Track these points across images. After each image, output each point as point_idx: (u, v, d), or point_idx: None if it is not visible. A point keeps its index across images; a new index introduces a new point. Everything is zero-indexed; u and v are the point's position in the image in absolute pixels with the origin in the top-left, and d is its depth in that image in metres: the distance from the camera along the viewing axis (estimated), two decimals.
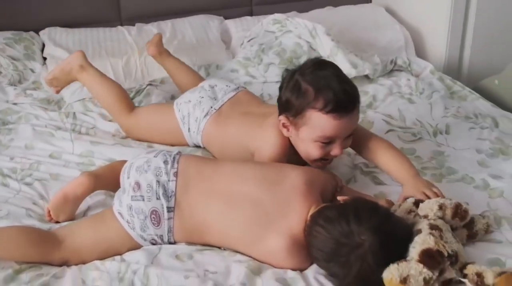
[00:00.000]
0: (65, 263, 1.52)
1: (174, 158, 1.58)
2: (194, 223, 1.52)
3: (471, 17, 2.57)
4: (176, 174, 1.55)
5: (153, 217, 1.52)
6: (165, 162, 1.57)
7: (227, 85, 2.06)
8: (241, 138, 1.84)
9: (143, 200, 1.52)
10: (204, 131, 1.96)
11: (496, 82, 2.38)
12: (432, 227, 1.40)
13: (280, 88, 1.72)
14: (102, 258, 1.52)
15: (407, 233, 1.42)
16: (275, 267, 1.48)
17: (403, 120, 2.12)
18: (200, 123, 1.96)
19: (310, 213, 1.47)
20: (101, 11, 2.81)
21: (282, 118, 1.69)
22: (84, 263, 1.52)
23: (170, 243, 1.55)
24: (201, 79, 2.28)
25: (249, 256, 1.50)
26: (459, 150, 1.96)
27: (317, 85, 1.62)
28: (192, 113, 1.99)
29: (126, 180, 1.58)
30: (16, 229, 1.56)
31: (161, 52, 2.37)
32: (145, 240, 1.54)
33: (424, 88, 2.34)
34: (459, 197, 1.70)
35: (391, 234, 1.37)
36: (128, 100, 2.14)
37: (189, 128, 2.00)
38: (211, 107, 1.97)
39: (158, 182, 1.53)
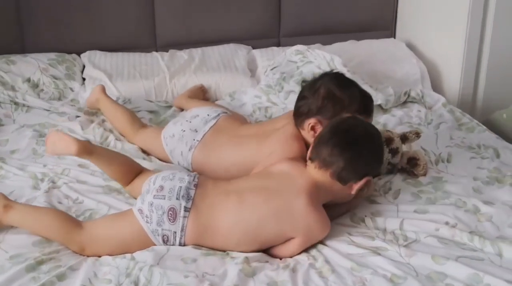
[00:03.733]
0: (81, 251, 1.72)
1: (195, 175, 1.81)
2: (208, 224, 1.71)
3: (485, 53, 2.68)
4: (196, 186, 1.76)
5: (170, 213, 1.71)
6: (189, 175, 1.79)
7: (208, 114, 2.21)
8: (240, 159, 2.02)
9: (164, 198, 1.73)
10: (194, 163, 2.12)
11: (504, 116, 2.47)
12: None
13: (301, 98, 2.00)
14: (113, 253, 1.70)
15: None
16: (307, 233, 1.70)
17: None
18: (187, 157, 2.13)
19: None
20: (139, 38, 3.01)
21: (313, 121, 1.94)
22: (97, 254, 1.70)
23: (180, 244, 1.72)
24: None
25: (278, 236, 1.72)
26: (457, 176, 2.06)
27: (349, 93, 1.97)
28: (177, 148, 2.16)
29: (152, 185, 1.79)
30: (49, 208, 1.84)
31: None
32: (158, 235, 1.71)
33: (432, 119, 2.45)
34: (449, 218, 1.82)
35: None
36: (135, 123, 2.36)
37: (178, 162, 2.16)
38: (194, 139, 2.13)
39: (180, 186, 1.74)
